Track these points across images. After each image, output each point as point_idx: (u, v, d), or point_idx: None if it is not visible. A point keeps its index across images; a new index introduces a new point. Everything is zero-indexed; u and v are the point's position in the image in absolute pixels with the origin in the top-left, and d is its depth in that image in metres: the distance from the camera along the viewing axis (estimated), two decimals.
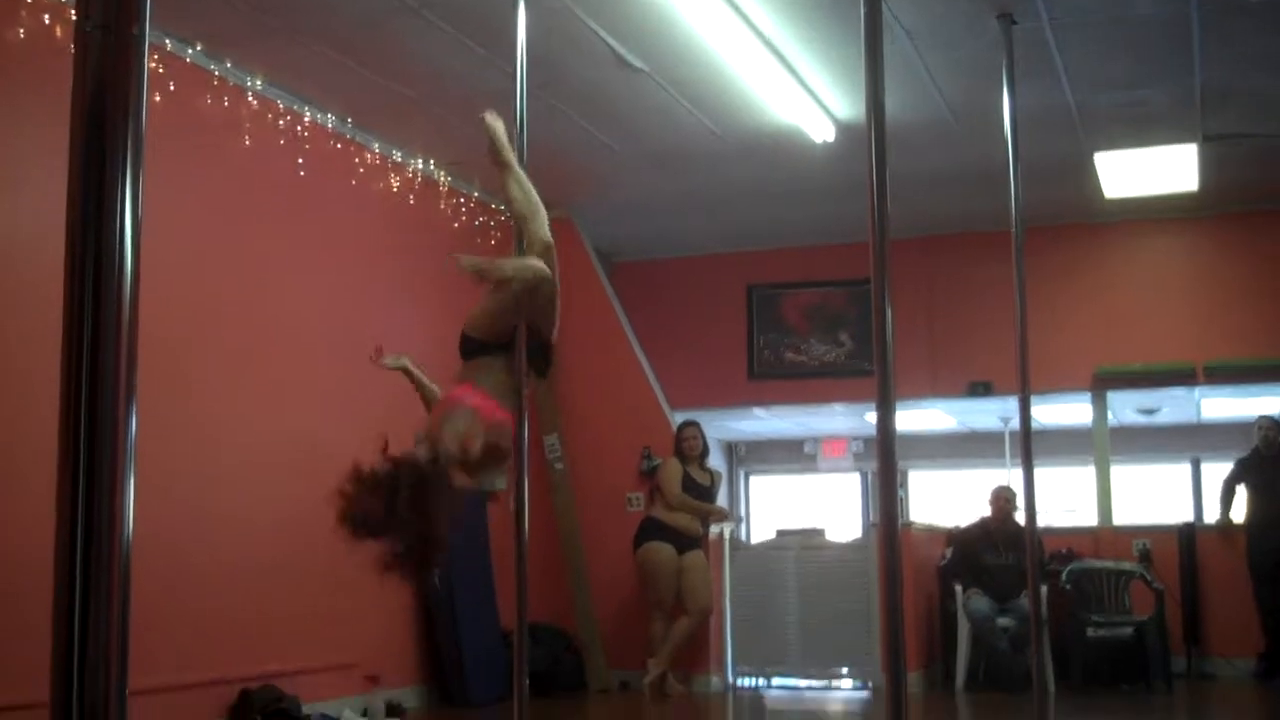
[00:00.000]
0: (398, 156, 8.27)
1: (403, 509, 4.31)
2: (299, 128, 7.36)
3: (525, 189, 4.93)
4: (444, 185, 8.76)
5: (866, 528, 12.07)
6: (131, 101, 1.41)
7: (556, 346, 4.86)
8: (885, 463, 3.19)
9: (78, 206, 1.37)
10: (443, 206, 8.75)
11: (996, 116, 6.17)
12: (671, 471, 9.01)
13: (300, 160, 7.32)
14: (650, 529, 8.91)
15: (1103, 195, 9.45)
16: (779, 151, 8.55)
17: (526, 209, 4.84)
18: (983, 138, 8.04)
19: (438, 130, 8.02)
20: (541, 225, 4.81)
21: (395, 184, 8.23)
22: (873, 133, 3.22)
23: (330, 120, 7.64)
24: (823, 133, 8.04)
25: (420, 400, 5.16)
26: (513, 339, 4.72)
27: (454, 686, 8.12)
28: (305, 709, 6.69)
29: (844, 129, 8.00)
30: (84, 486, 1.34)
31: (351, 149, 7.86)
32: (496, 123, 4.85)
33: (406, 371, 5.19)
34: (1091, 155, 8.70)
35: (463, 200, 8.94)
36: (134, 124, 1.41)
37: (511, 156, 4.94)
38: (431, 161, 8.54)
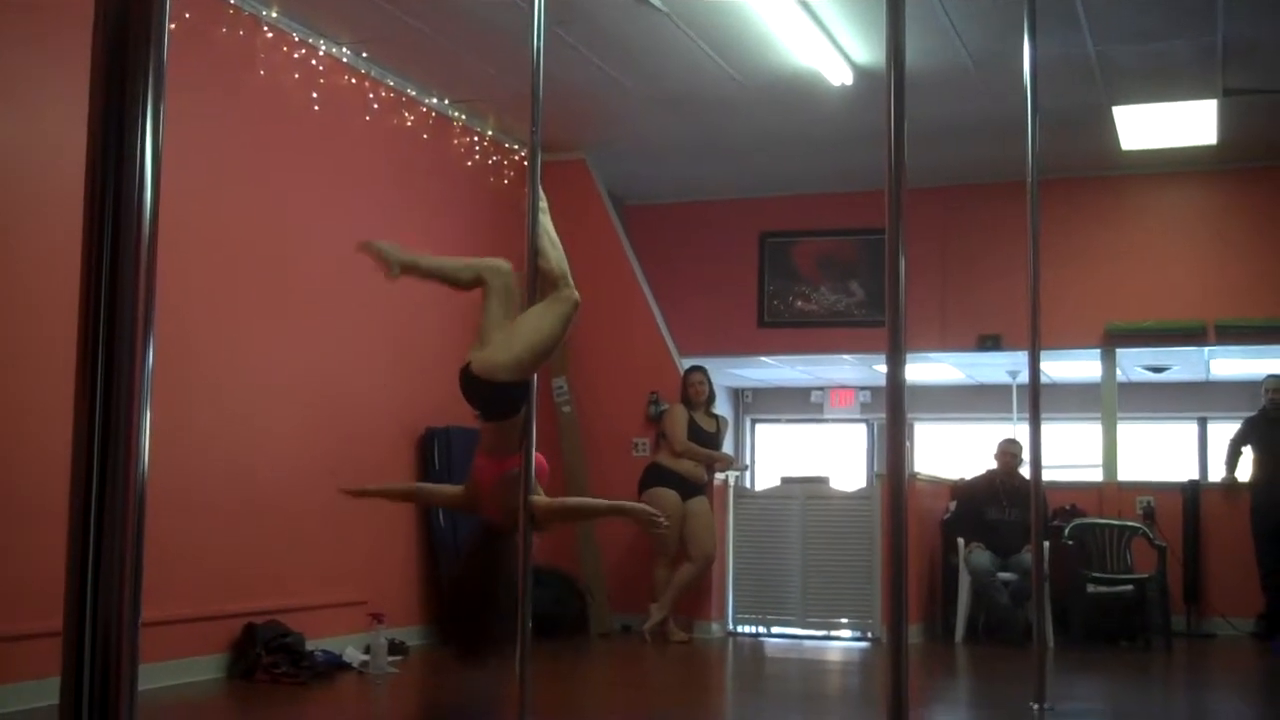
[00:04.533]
0: (412, 92, 8.22)
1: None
2: (314, 61, 7.31)
3: (559, 247, 5.32)
4: (458, 123, 8.72)
5: (871, 478, 12.09)
6: (154, 29, 1.38)
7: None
8: (894, 414, 3.18)
9: (98, 136, 1.35)
10: (456, 144, 8.71)
11: (1016, 66, 6.14)
12: (678, 417, 9.01)
13: (315, 94, 7.27)
14: (655, 474, 8.93)
15: (1119, 147, 9.39)
16: (795, 96, 8.49)
17: (559, 266, 5.27)
18: (1001, 87, 7.99)
19: (453, 67, 7.97)
20: (572, 284, 5.29)
21: (409, 120, 8.19)
22: (892, 78, 3.18)
23: (345, 54, 7.59)
24: (840, 76, 7.98)
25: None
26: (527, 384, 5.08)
27: None
28: (309, 645, 6.72)
29: (862, 74, 7.94)
30: (100, 418, 1.32)
31: (366, 84, 7.80)
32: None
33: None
34: (1110, 107, 8.63)
35: (476, 138, 8.89)
36: (155, 52, 1.39)
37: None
38: (446, 99, 8.49)
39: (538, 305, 5.18)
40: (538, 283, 5.23)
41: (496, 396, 5.07)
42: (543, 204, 5.34)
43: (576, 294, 5.20)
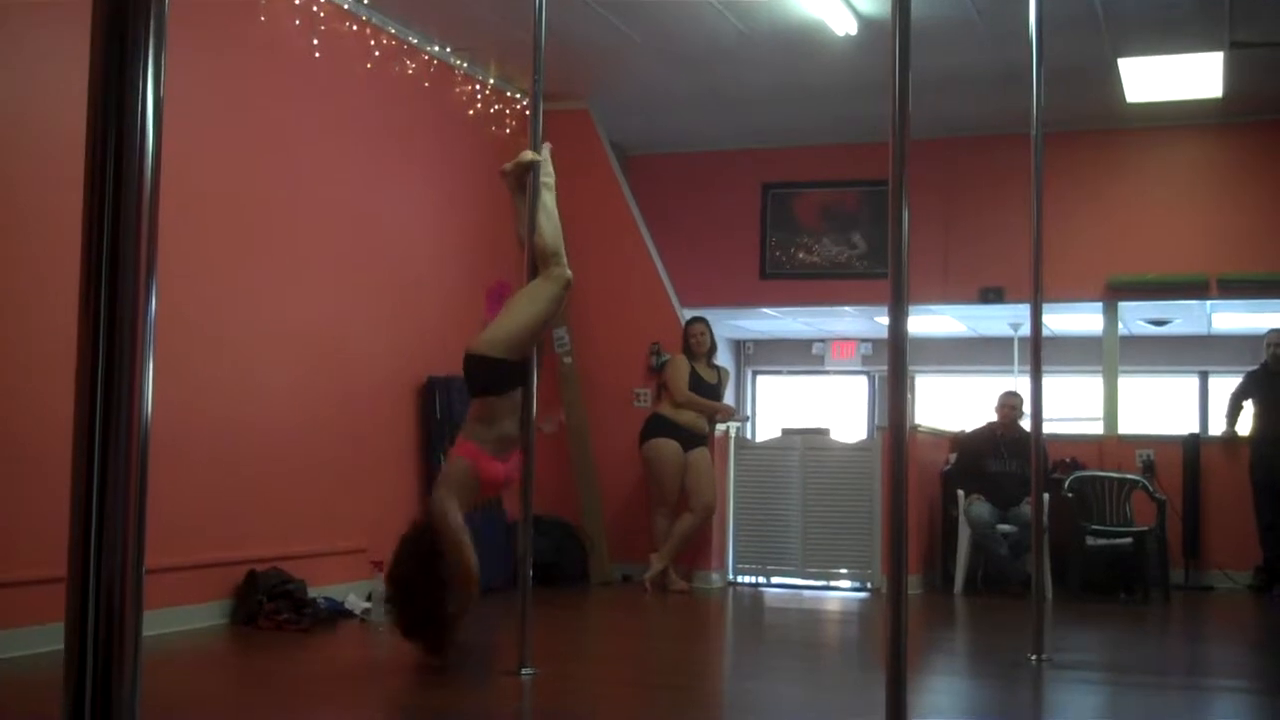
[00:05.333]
0: (413, 40, 8.17)
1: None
2: (314, 7, 7.25)
3: (555, 222, 5.40)
4: (459, 71, 8.67)
5: (872, 429, 12.12)
6: None
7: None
8: (896, 366, 3.19)
9: (100, 85, 1.35)
10: (458, 92, 8.67)
11: (1021, 16, 6.10)
12: (679, 368, 9.01)
13: (316, 42, 7.23)
14: (656, 425, 8.95)
15: (1124, 100, 9.34)
16: (800, 46, 8.45)
17: (554, 244, 5.38)
18: (1006, 38, 7.94)
19: (454, 14, 7.91)
20: (564, 262, 5.41)
21: (411, 68, 8.14)
22: (897, 29, 3.17)
23: (346, 1, 7.53)
24: (845, 26, 7.93)
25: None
26: (522, 364, 5.26)
27: None
28: (311, 592, 6.76)
29: (866, 24, 7.89)
30: (103, 367, 1.33)
31: (368, 31, 7.75)
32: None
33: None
34: (1115, 60, 8.58)
35: (478, 87, 8.85)
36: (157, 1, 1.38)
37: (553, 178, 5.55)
38: (448, 47, 8.44)
39: (531, 284, 5.28)
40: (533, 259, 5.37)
41: (481, 371, 5.20)
42: (549, 179, 5.40)
43: (569, 273, 5.33)
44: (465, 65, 8.69)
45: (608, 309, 9.70)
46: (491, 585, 8.07)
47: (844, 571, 9.31)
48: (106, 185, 1.33)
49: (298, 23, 7.13)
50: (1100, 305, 10.36)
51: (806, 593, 9.17)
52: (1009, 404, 9.42)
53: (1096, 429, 10.43)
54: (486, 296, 5.65)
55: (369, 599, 6.99)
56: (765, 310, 12.12)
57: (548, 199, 5.37)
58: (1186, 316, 12.45)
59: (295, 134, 7.24)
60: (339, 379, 7.47)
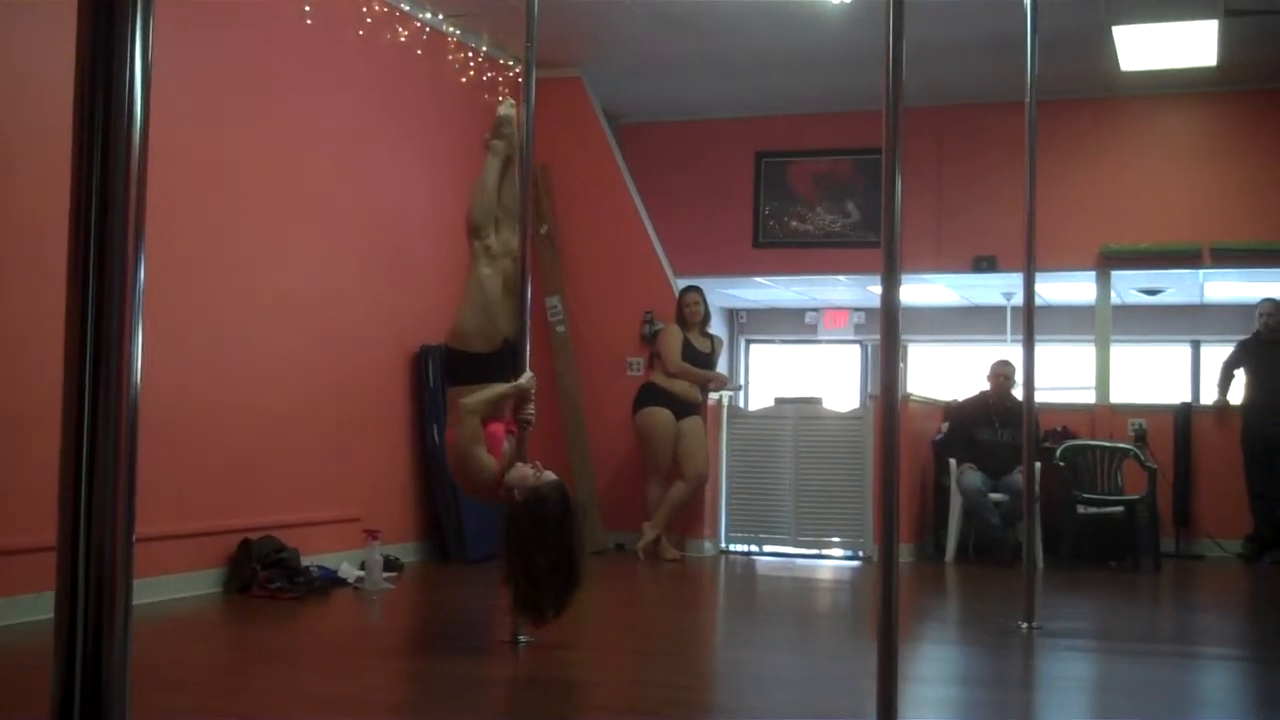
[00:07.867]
0: (406, 7, 8.13)
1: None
2: None
3: (486, 190, 5.27)
4: (452, 39, 8.63)
5: (864, 399, 12.12)
6: None
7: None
8: (889, 336, 3.19)
9: (87, 50, 1.34)
10: (450, 59, 8.63)
11: None
12: (672, 338, 9.01)
13: (307, 8, 7.18)
14: (649, 394, 8.95)
15: (1118, 68, 9.32)
16: (794, 14, 8.42)
17: (469, 217, 5.42)
18: (1000, 5, 7.91)
19: None
20: (483, 235, 5.34)
21: (403, 35, 8.10)
22: None
23: None
24: None
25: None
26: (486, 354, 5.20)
27: (452, 544, 8.22)
28: (304, 560, 6.77)
29: None
30: (92, 336, 1.32)
31: None
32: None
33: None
34: (1110, 27, 8.55)
35: (470, 54, 8.81)
36: None
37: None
38: (440, 13, 8.40)
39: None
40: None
41: (447, 360, 5.24)
42: (499, 143, 5.35)
43: (481, 241, 5.20)
44: (458, 32, 8.65)
45: (601, 278, 9.69)
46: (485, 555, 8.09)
47: (836, 540, 9.33)
48: (95, 152, 1.33)
49: None
50: (1093, 274, 10.35)
51: (799, 561, 9.20)
52: (1001, 373, 9.43)
53: (1088, 398, 10.44)
54: None
55: (363, 568, 7.00)
56: (758, 279, 12.12)
57: (490, 167, 5.34)
58: (1179, 286, 12.46)
59: (287, 102, 7.20)
60: (332, 347, 7.46)
